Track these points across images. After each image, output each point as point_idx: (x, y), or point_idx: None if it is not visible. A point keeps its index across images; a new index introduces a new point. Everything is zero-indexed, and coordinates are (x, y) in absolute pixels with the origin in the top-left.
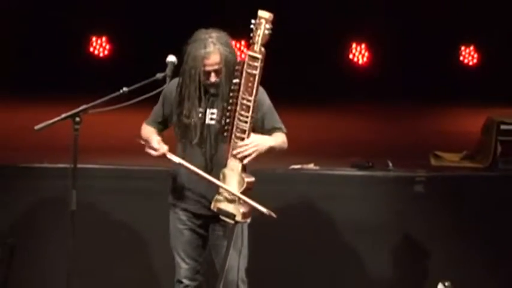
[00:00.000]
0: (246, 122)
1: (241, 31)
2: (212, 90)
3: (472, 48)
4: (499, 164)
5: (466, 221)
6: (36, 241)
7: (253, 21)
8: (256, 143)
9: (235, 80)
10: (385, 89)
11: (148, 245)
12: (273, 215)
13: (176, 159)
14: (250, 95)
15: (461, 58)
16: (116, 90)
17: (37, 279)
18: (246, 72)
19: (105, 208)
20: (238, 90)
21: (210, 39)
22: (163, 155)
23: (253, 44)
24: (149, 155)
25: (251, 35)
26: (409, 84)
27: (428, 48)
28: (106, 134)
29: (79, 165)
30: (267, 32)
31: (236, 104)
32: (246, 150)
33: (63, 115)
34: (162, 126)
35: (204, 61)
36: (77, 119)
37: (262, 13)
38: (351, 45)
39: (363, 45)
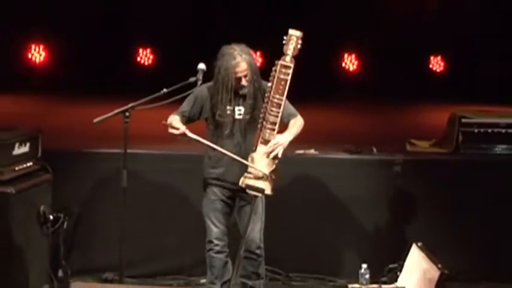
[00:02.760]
0: (276, 116)
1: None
2: (241, 92)
3: (439, 58)
4: (460, 149)
5: (434, 195)
6: (95, 212)
7: (285, 37)
8: (281, 142)
9: (269, 84)
10: (370, 91)
11: (185, 213)
12: None
13: (193, 136)
14: (281, 95)
15: (430, 66)
16: (157, 91)
17: (95, 244)
18: (278, 77)
19: (150, 185)
20: (270, 91)
21: (236, 52)
22: (183, 133)
23: (285, 55)
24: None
25: (284, 48)
26: (390, 87)
27: (404, 58)
28: (149, 126)
29: (129, 151)
30: (298, 46)
31: (268, 102)
32: (274, 150)
33: (116, 111)
34: (186, 120)
35: (235, 69)
36: (127, 113)
37: (293, 31)
38: (343, 55)
39: (353, 56)
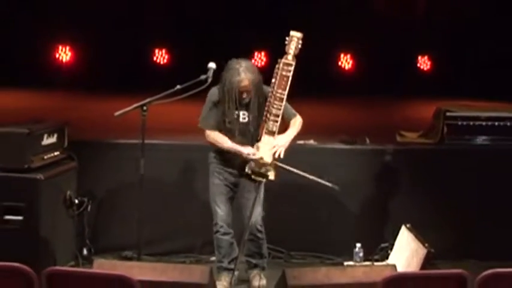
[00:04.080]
0: (278, 109)
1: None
2: (244, 102)
3: (426, 57)
4: (445, 140)
5: (422, 181)
6: (115, 196)
7: (287, 38)
8: (280, 144)
9: (272, 80)
10: (364, 87)
11: (196, 198)
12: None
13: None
14: (284, 90)
15: (418, 65)
16: (172, 88)
17: (116, 225)
18: (281, 74)
19: (165, 172)
20: (273, 87)
21: (241, 69)
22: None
23: (287, 54)
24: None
25: (286, 48)
26: (382, 84)
27: (395, 57)
28: (165, 119)
29: (146, 141)
30: (299, 46)
31: (271, 96)
32: (276, 150)
33: (135, 105)
34: (217, 125)
35: (239, 84)
36: (144, 108)
37: (294, 33)
38: (340, 56)
39: (349, 56)
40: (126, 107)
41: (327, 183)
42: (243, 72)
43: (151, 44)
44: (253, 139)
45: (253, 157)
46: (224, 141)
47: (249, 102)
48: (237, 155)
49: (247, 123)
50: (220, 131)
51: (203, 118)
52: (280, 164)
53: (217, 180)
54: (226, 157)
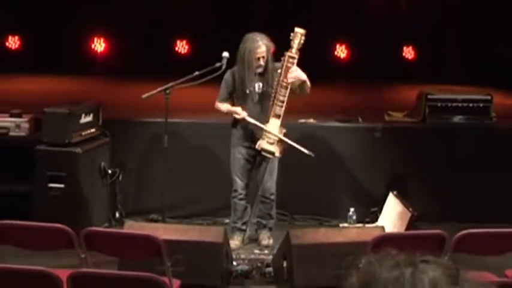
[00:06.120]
0: (284, 96)
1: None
2: (258, 70)
3: (410, 48)
4: (427, 119)
5: (407, 154)
6: (143, 167)
7: (291, 34)
8: (300, 71)
9: (278, 71)
10: (358, 74)
11: (213, 168)
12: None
13: (252, 120)
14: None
15: (403, 54)
16: (191, 74)
17: (144, 192)
18: (286, 65)
19: (185, 146)
20: (280, 76)
21: (258, 38)
22: (243, 118)
23: (292, 48)
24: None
25: (290, 42)
26: (372, 71)
27: (384, 47)
28: (186, 99)
29: (169, 120)
30: (302, 41)
31: (278, 85)
32: (295, 72)
33: (159, 89)
34: (227, 101)
35: (256, 50)
36: (167, 91)
37: (298, 29)
38: (336, 45)
39: (344, 46)
40: (152, 91)
41: (306, 151)
42: (260, 40)
43: (174, 36)
44: (263, 109)
45: (265, 127)
46: (223, 107)
47: (263, 73)
48: (254, 132)
49: (263, 93)
50: (233, 104)
51: (218, 95)
52: (283, 137)
53: (238, 154)
54: (245, 134)
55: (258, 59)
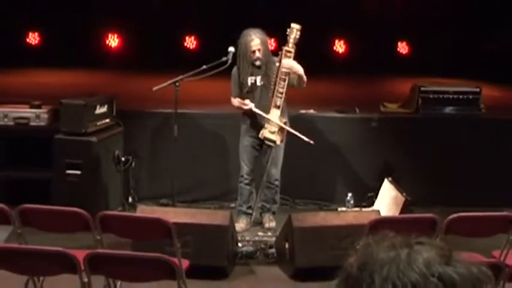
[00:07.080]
0: (283, 88)
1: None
2: (256, 63)
3: (405, 43)
4: (420, 110)
5: (401, 143)
6: (154, 155)
7: (288, 29)
8: (296, 63)
9: (277, 64)
10: (355, 68)
11: (219, 156)
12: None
13: (257, 111)
14: (286, 73)
15: (398, 49)
16: (199, 68)
17: (155, 178)
18: (283, 59)
19: (194, 135)
20: (278, 69)
21: (251, 32)
22: (250, 108)
23: (288, 43)
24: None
25: (287, 37)
26: (369, 65)
27: (379, 43)
28: (194, 91)
29: (178, 111)
30: (297, 36)
31: (277, 77)
32: (290, 62)
33: (169, 81)
34: (240, 93)
35: (251, 43)
36: (177, 84)
37: (294, 25)
38: (334, 41)
39: (342, 41)
40: (162, 83)
41: (306, 139)
42: (253, 34)
43: (183, 32)
44: (263, 100)
45: (266, 116)
46: (236, 102)
47: (261, 66)
48: (259, 123)
49: (264, 85)
50: (242, 97)
51: (231, 92)
52: (284, 125)
53: (246, 142)
54: (252, 124)
55: (254, 51)
